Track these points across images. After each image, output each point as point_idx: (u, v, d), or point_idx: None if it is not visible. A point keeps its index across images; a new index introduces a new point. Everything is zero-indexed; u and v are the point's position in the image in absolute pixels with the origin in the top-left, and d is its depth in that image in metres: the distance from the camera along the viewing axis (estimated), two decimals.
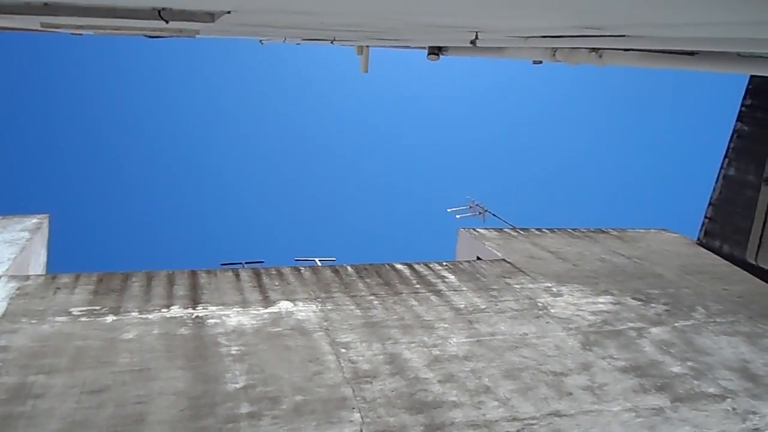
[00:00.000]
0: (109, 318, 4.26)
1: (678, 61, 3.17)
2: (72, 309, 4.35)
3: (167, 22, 2.62)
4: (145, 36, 6.17)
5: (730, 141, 7.04)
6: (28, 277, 4.91)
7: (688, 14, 1.58)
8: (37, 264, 5.95)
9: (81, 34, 6.24)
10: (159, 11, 2.44)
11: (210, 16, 2.68)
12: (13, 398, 3.27)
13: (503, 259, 6.31)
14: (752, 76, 6.55)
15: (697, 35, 2.23)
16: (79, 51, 33.67)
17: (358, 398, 3.51)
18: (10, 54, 31.73)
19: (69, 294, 4.60)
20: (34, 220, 6.22)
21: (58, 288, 4.69)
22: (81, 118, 35.27)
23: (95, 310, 4.37)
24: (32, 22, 3.51)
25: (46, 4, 2.40)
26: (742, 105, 6.92)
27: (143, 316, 4.33)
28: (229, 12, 2.67)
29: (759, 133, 6.61)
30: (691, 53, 3.05)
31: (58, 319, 4.19)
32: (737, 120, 6.98)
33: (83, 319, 4.22)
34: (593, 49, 3.66)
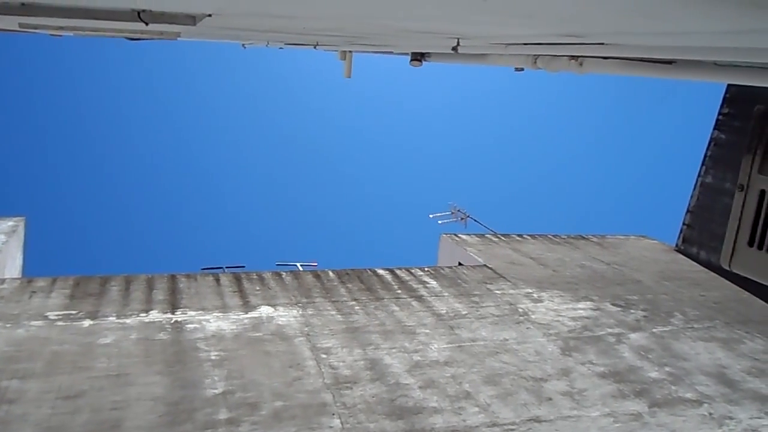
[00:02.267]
0: (86, 322, 4.20)
1: (657, 70, 3.21)
2: (48, 313, 4.29)
3: (147, 24, 2.59)
4: (126, 38, 6.11)
5: (707, 149, 7.14)
6: (3, 281, 4.83)
7: (667, 23, 1.60)
8: (13, 267, 5.86)
9: (61, 36, 6.17)
10: (139, 13, 2.42)
11: (191, 19, 2.66)
12: None
13: (484, 265, 6.33)
14: (729, 85, 6.66)
15: (676, 44, 2.26)
16: (59, 52, 33.32)
17: (338, 404, 3.50)
18: None
19: (45, 298, 4.53)
20: (10, 223, 6.13)
21: (34, 292, 4.62)
22: (59, 119, 34.87)
23: (72, 314, 4.30)
24: (10, 22, 3.46)
25: (23, 4, 2.37)
26: (719, 113, 7.02)
27: (121, 320, 4.28)
28: (209, 15, 2.65)
29: (735, 142, 6.71)
30: (670, 62, 3.09)
31: (33, 323, 4.12)
32: (714, 128, 7.08)
33: (59, 323, 4.16)
34: (573, 57, 3.70)
